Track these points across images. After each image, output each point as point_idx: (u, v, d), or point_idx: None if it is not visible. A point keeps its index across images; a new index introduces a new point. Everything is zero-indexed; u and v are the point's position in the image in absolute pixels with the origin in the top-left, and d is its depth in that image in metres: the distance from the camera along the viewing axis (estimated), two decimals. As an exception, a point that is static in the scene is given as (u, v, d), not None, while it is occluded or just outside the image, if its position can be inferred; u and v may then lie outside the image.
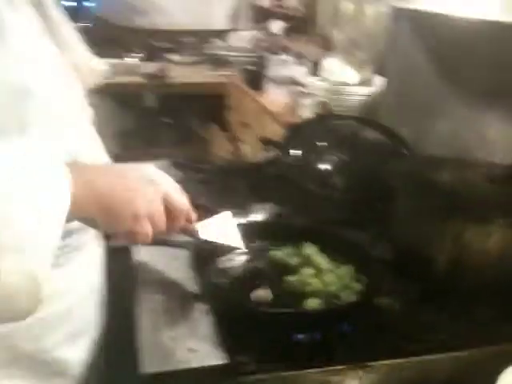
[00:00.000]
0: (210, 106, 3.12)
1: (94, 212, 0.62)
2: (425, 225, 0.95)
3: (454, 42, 1.32)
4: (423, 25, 1.43)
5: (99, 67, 0.85)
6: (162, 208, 0.67)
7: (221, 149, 2.63)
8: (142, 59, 3.16)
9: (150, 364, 0.70)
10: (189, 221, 0.76)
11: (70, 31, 0.78)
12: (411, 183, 1.01)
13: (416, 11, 0.94)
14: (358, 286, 0.87)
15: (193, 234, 0.80)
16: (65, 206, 0.56)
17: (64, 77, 0.73)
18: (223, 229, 0.86)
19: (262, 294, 0.82)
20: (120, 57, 3.11)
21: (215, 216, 0.87)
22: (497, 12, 0.72)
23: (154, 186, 0.66)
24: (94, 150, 0.80)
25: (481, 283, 0.90)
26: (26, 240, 0.52)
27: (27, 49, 0.65)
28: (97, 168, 0.68)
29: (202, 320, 0.80)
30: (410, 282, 0.94)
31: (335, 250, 0.95)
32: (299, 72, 2.06)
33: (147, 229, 0.65)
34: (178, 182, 1.40)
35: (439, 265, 0.92)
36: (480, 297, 0.89)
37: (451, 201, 0.91)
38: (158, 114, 3.39)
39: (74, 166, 0.60)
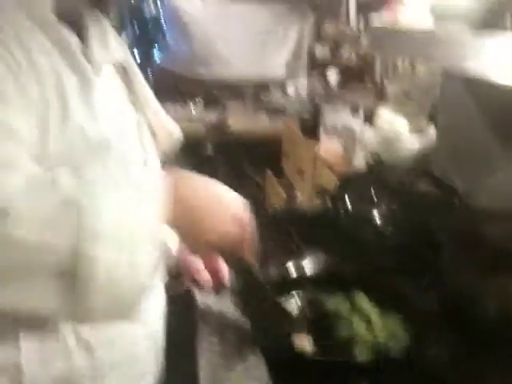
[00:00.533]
0: (265, 153, 3.23)
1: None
2: (474, 276, 0.97)
3: (502, 107, 1.35)
4: (472, 87, 1.47)
5: (175, 133, 0.92)
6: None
7: (275, 195, 2.70)
8: (202, 107, 3.33)
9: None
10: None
11: (150, 96, 0.87)
12: (461, 235, 1.04)
13: (465, 75, 0.98)
14: (405, 336, 0.89)
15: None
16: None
17: (141, 136, 0.81)
18: None
19: (304, 341, 0.86)
20: (182, 104, 3.29)
21: None
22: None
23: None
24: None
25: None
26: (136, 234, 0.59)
27: (109, 107, 0.73)
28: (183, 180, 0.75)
29: (256, 362, 0.84)
30: (458, 333, 0.95)
31: (384, 298, 0.98)
32: (353, 122, 2.12)
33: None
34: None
35: (488, 316, 0.94)
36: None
37: (500, 254, 0.93)
38: (215, 160, 3.52)
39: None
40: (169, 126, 0.91)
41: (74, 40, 0.71)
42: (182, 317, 0.95)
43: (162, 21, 3.62)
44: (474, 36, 0.95)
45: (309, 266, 1.22)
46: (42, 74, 0.65)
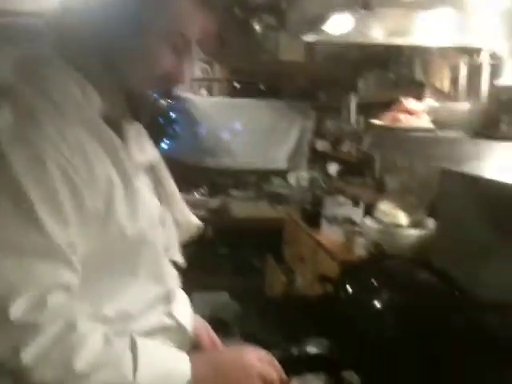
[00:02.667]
0: (267, 239, 3.29)
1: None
2: (477, 370, 0.99)
3: (499, 200, 1.42)
4: (469, 184, 1.55)
5: (195, 223, 0.97)
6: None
7: (276, 281, 2.73)
8: (207, 195, 3.42)
9: None
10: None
11: (174, 190, 0.93)
12: (462, 326, 1.07)
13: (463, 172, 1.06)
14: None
15: None
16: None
17: (164, 226, 0.87)
18: None
19: None
20: (187, 192, 3.39)
21: None
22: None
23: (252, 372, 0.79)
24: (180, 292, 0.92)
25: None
26: None
27: (145, 206, 0.79)
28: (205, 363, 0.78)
29: None
30: None
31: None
32: (354, 213, 2.20)
33: None
34: (235, 313, 1.50)
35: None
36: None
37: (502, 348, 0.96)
38: (218, 246, 3.57)
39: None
40: (189, 216, 0.96)
41: (118, 142, 0.77)
42: None
43: (171, 113, 3.78)
44: (471, 141, 1.04)
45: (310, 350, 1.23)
46: (98, 182, 0.71)
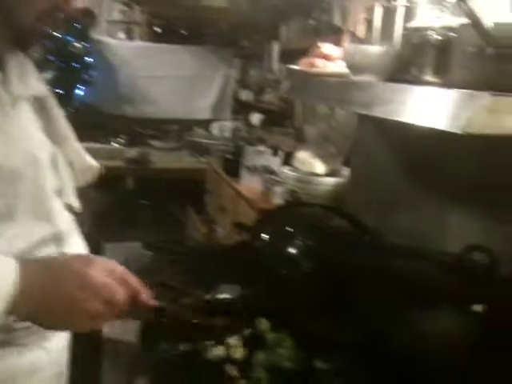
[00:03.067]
0: (187, 190, 3.23)
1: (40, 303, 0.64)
2: (385, 311, 1.01)
3: (411, 147, 1.45)
4: (384, 129, 1.57)
5: (93, 165, 0.92)
6: (108, 280, 0.68)
7: (196, 231, 2.70)
8: (125, 144, 3.30)
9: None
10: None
11: (68, 131, 0.87)
12: (372, 270, 1.09)
13: (377, 118, 1.06)
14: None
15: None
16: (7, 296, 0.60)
17: (56, 167, 0.80)
18: None
19: None
20: (104, 142, 3.25)
21: None
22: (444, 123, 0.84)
23: (94, 263, 0.68)
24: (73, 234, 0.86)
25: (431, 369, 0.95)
26: None
27: (23, 139, 0.74)
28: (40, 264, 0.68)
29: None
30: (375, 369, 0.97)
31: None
32: (273, 162, 2.18)
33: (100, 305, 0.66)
34: (150, 263, 1.46)
35: (400, 352, 0.97)
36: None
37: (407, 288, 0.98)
38: (137, 196, 3.48)
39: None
40: (87, 159, 0.91)
41: None
42: (87, 346, 0.92)
43: (88, 58, 3.57)
44: (384, 85, 1.04)
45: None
46: None
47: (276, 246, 1.53)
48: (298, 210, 1.70)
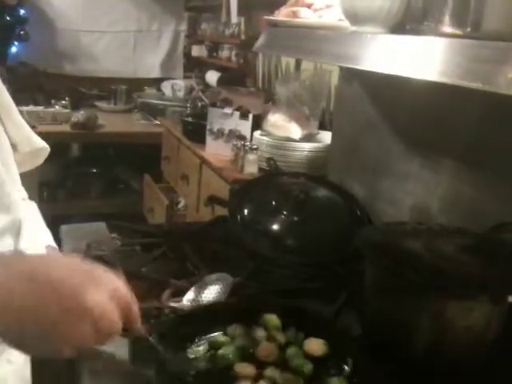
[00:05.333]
0: (142, 157, 3.00)
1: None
2: (398, 299, 0.88)
3: (402, 102, 1.32)
4: (371, 84, 1.43)
5: (39, 145, 0.77)
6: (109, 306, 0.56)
7: (156, 204, 2.50)
8: (70, 107, 3.01)
9: None
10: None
11: (11, 107, 0.70)
12: (381, 252, 0.94)
13: (364, 71, 0.92)
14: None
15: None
16: None
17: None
18: None
19: None
20: (47, 104, 2.95)
21: None
22: (435, 74, 0.73)
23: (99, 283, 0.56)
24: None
25: (461, 363, 0.84)
26: None
27: None
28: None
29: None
30: (382, 362, 0.85)
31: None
32: (242, 126, 2.00)
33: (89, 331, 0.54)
34: (117, 249, 1.26)
35: (415, 343, 0.85)
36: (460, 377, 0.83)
37: (426, 273, 0.85)
38: (86, 165, 3.22)
39: None
40: (35, 141, 0.75)
41: None
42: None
43: (22, 12, 3.21)
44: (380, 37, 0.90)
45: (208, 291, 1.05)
46: None
47: (256, 222, 1.37)
48: (277, 179, 1.54)
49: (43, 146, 0.79)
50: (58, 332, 0.52)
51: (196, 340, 0.82)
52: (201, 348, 0.81)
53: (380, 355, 0.84)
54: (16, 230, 0.70)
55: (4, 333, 0.51)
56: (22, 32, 3.17)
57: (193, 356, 0.79)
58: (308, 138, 1.84)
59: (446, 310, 0.81)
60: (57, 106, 2.97)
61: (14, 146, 0.71)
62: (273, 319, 0.86)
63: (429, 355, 0.83)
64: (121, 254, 1.17)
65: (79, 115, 2.86)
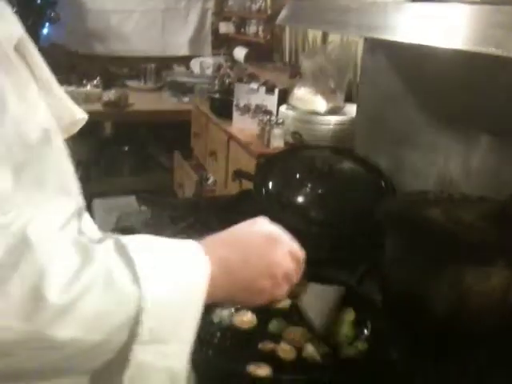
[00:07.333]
0: (172, 134, 3.05)
1: (231, 294, 0.63)
2: (418, 267, 0.90)
3: (428, 72, 1.30)
4: (396, 55, 1.41)
5: (80, 115, 0.78)
6: (292, 266, 0.67)
7: (186, 180, 2.54)
8: (101, 86, 3.06)
9: None
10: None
11: (52, 79, 0.72)
12: (400, 221, 0.96)
13: (388, 42, 0.92)
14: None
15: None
16: (203, 292, 0.56)
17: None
18: None
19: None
20: (79, 84, 3.01)
21: None
22: (465, 43, 0.73)
23: (280, 245, 0.66)
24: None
25: (480, 327, 0.85)
26: (167, 328, 0.50)
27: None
28: (223, 242, 0.66)
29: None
30: (403, 328, 0.87)
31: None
32: (268, 100, 2.01)
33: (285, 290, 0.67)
34: (147, 220, 1.30)
35: (436, 309, 0.87)
36: (480, 343, 0.84)
37: (445, 241, 0.86)
38: (118, 143, 3.28)
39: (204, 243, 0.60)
40: (76, 111, 0.77)
41: None
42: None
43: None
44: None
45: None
46: None
47: (282, 195, 1.40)
48: (302, 153, 1.55)
49: (83, 116, 0.81)
50: (263, 297, 0.65)
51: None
52: (225, 313, 0.85)
53: (401, 321, 0.87)
54: (79, 215, 0.69)
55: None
56: (52, 14, 3.22)
57: (218, 320, 0.83)
58: (334, 111, 1.84)
59: (464, 277, 0.82)
60: (89, 86, 3.03)
61: (57, 119, 0.72)
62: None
63: (448, 320, 0.85)
64: (149, 225, 1.22)
65: (110, 94, 2.91)
